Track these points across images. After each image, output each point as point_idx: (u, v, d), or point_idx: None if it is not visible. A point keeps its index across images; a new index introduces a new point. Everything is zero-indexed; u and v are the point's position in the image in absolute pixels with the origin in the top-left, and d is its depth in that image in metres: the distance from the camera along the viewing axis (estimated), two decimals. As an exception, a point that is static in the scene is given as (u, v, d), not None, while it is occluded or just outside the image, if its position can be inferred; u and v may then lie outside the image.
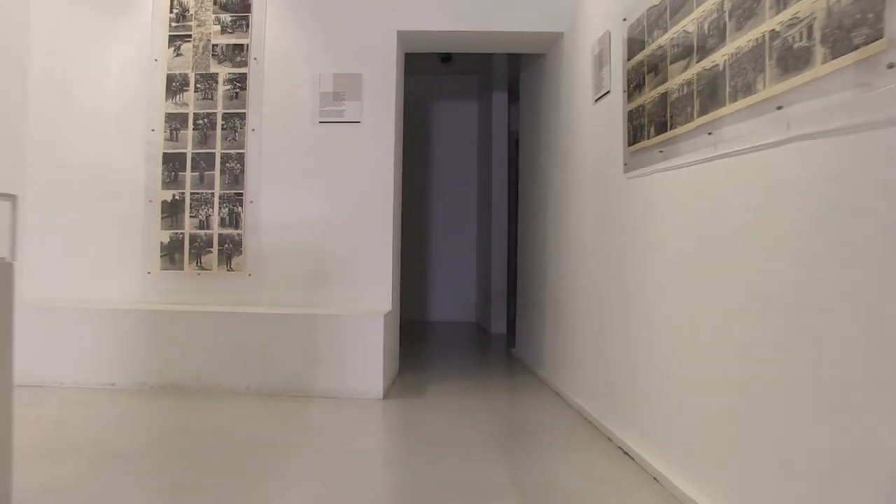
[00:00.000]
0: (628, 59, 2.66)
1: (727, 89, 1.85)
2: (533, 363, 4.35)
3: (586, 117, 3.28)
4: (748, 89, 1.73)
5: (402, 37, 3.92)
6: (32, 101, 3.95)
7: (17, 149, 3.90)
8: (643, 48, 2.50)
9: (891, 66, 1.23)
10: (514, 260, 5.54)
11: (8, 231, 1.01)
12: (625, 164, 2.67)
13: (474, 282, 7.24)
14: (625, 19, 2.71)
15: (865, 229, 1.29)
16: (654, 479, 2.24)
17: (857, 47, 1.32)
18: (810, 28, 1.48)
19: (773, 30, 1.62)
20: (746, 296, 1.74)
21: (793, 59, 1.54)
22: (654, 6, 2.39)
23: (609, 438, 2.72)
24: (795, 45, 1.53)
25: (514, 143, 6.28)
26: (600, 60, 3.06)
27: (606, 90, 2.95)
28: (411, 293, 6.82)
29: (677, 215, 2.19)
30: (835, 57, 1.39)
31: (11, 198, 1.00)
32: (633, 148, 2.59)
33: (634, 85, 2.59)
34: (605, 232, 2.92)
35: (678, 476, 2.11)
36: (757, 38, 1.69)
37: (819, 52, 1.44)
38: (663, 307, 2.28)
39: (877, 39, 1.26)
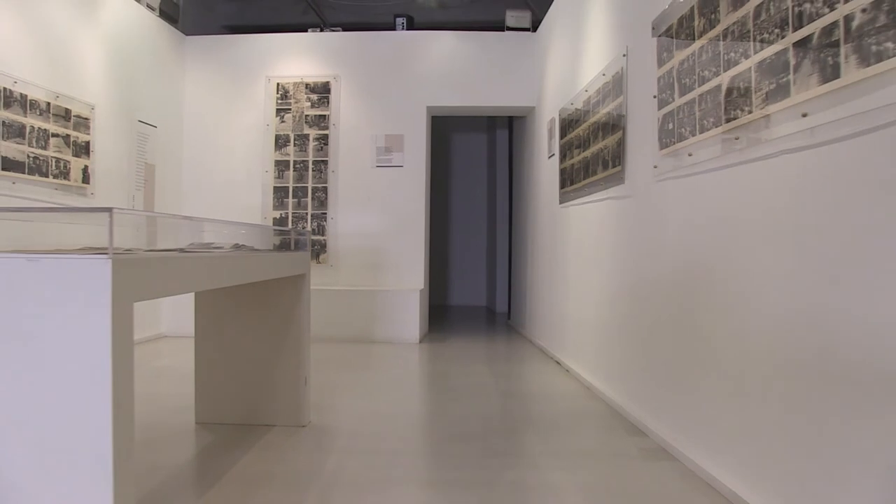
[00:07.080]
0: (561, 138, 4.62)
1: (591, 169, 3.80)
2: (520, 327, 6.31)
3: (545, 166, 5.23)
4: (595, 172, 3.69)
5: (430, 109, 5.91)
6: (186, 152, 6.00)
7: (177, 185, 5.96)
8: (566, 135, 4.45)
9: (621, 180, 3.18)
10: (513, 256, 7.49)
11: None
12: (559, 199, 4.62)
13: (484, 274, 9.20)
14: (559, 114, 4.66)
15: (629, 234, 3.26)
16: (567, 371, 4.20)
17: (616, 166, 3.27)
18: (610, 151, 3.43)
19: (600, 148, 3.58)
20: (596, 264, 3.70)
21: (603, 164, 3.49)
22: (569, 115, 4.35)
23: (551, 358, 4.68)
24: (605, 158, 3.48)
25: (512, 168, 8.21)
26: (550, 133, 5.01)
27: (553, 153, 4.90)
28: (436, 283, 8.80)
29: (576, 227, 4.14)
30: (613, 168, 3.34)
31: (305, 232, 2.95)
32: (562, 190, 4.54)
33: (563, 155, 4.54)
34: (552, 237, 4.87)
35: (579, 368, 4.06)
36: (596, 150, 3.64)
37: (610, 163, 3.39)
38: (571, 275, 4.24)
39: (619, 165, 3.21)
